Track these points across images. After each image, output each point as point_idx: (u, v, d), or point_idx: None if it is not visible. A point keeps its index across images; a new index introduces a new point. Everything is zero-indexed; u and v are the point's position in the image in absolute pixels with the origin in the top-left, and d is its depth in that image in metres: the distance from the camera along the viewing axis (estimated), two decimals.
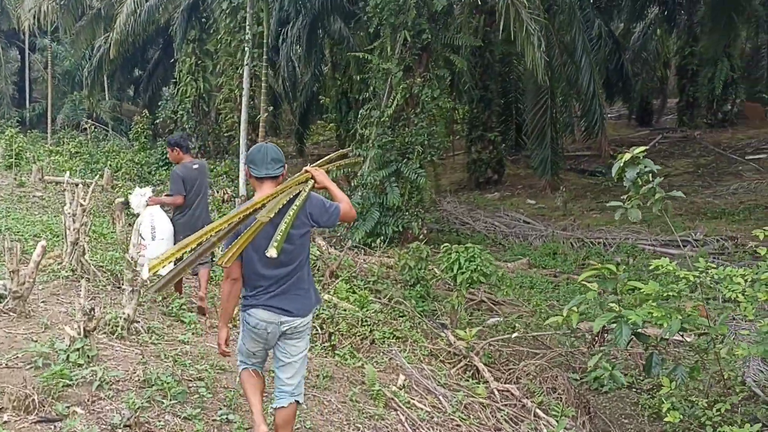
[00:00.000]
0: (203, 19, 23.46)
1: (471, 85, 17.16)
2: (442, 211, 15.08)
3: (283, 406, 3.78)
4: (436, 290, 9.26)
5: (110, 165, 19.56)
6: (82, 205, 6.88)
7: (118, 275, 7.04)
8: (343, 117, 25.39)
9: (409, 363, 6.15)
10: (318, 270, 8.38)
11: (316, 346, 6.30)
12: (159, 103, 28.92)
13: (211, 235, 3.47)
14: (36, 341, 4.92)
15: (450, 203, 16.12)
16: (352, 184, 13.09)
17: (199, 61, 23.40)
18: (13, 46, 35.66)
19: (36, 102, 33.57)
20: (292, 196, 3.63)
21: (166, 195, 6.86)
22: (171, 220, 6.73)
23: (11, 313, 5.37)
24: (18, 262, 5.40)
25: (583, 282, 5.87)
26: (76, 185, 7.07)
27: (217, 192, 17.60)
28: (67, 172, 6.82)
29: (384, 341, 6.71)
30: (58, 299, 6.21)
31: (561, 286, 10.66)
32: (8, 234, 9.07)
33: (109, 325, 5.32)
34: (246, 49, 14.55)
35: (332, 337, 6.36)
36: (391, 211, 12.93)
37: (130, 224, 9.88)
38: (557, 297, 10.01)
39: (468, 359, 6.51)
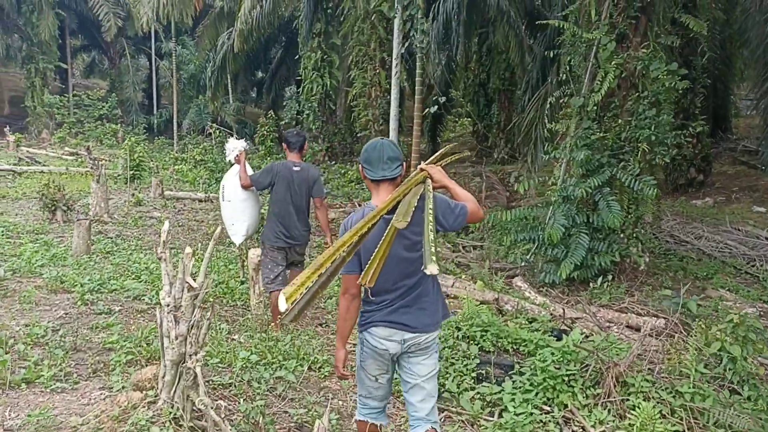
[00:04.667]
0: (329, 10, 20.29)
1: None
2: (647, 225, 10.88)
3: None
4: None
5: None
6: (191, 287, 3.41)
7: (268, 429, 3.51)
8: (481, 110, 21.59)
9: None
10: (588, 371, 4.55)
11: None
12: (284, 104, 26.21)
13: (342, 251, 2.80)
14: None
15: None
16: (552, 199, 9.17)
17: (325, 56, 20.31)
18: (142, 53, 34.01)
19: (163, 108, 31.63)
20: (419, 198, 3.02)
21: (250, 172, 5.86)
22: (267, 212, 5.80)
23: None
24: None
25: None
26: (188, 252, 3.62)
27: (354, 202, 14.23)
28: (166, 223, 3.33)
29: None
30: None
31: None
32: (103, 295, 5.87)
33: None
34: (397, 25, 10.82)
35: None
36: (601, 234, 8.95)
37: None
38: None
39: None
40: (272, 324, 5.37)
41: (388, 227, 2.84)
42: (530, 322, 6.42)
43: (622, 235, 9.02)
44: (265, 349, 4.56)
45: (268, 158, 19.10)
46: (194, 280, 3.43)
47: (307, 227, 5.80)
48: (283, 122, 22.98)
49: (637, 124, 8.84)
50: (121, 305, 5.70)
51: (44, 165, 17.17)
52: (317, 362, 4.51)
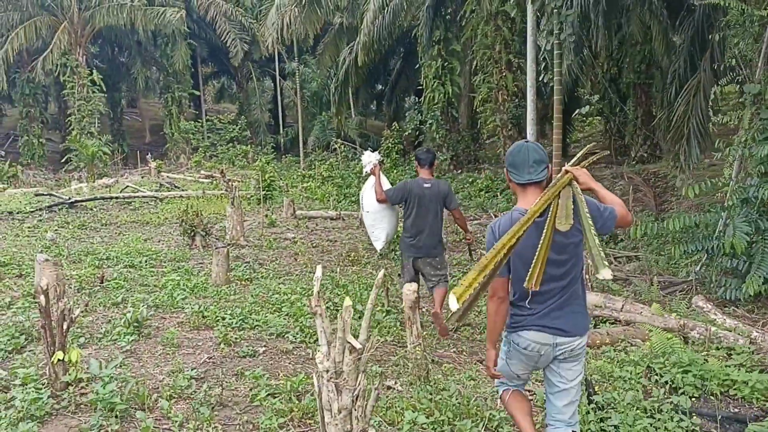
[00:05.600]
0: (447, 17, 19.60)
1: None
2: None
3: None
4: None
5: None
6: (354, 348, 2.75)
7: None
8: (613, 107, 20.00)
9: None
10: None
11: None
12: (406, 115, 25.81)
13: (502, 253, 2.75)
14: None
15: None
16: (728, 202, 7.90)
17: (446, 63, 19.58)
18: (267, 75, 34.90)
19: (289, 126, 32.23)
20: (572, 199, 2.95)
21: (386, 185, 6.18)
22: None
23: None
24: None
25: None
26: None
27: (489, 213, 13.36)
28: (318, 270, 2.72)
29: None
30: None
31: None
32: (245, 332, 5.42)
33: None
34: (531, 23, 9.85)
35: None
36: None
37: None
38: None
39: None
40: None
41: (545, 230, 2.84)
42: (728, 354, 5.32)
43: None
44: (430, 403, 3.85)
45: (394, 171, 18.65)
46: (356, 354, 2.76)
47: (437, 240, 5.96)
48: (405, 133, 22.44)
49: None
50: (264, 345, 5.21)
51: (183, 190, 17.63)
52: (493, 419, 3.74)
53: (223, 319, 5.83)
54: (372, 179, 6.19)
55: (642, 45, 17.01)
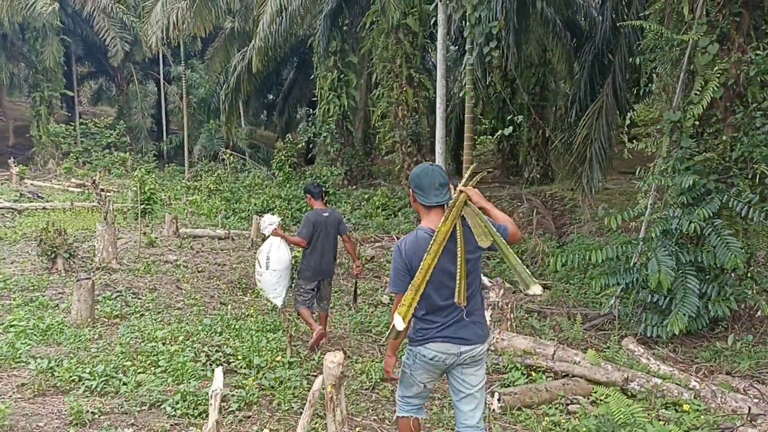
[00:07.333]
0: (344, 27, 18.74)
1: None
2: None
3: None
4: None
5: (255, 204, 14.93)
6: None
7: None
8: (506, 127, 19.87)
9: None
10: None
11: None
12: (299, 126, 24.59)
13: (429, 273, 2.97)
14: None
15: None
16: (645, 234, 7.41)
17: (342, 75, 18.68)
18: (150, 78, 32.44)
19: (173, 134, 30.01)
20: (478, 219, 3.08)
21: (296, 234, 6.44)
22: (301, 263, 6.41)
23: None
24: None
25: None
26: None
27: (392, 235, 12.47)
28: (217, 377, 1.63)
29: None
30: None
31: None
32: (108, 399, 4.10)
33: None
34: (441, 37, 9.08)
35: None
36: (709, 275, 7.18)
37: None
38: None
39: None
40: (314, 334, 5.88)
41: (458, 248, 2.97)
42: (678, 413, 4.66)
43: (732, 276, 7.27)
44: None
45: (287, 184, 17.42)
46: None
47: (334, 262, 6.51)
48: (298, 145, 21.24)
49: (751, 141, 7.07)
50: (133, 422, 3.92)
51: (47, 201, 15.45)
52: None
53: (80, 380, 4.48)
54: (272, 240, 6.35)
55: (537, 67, 16.93)
